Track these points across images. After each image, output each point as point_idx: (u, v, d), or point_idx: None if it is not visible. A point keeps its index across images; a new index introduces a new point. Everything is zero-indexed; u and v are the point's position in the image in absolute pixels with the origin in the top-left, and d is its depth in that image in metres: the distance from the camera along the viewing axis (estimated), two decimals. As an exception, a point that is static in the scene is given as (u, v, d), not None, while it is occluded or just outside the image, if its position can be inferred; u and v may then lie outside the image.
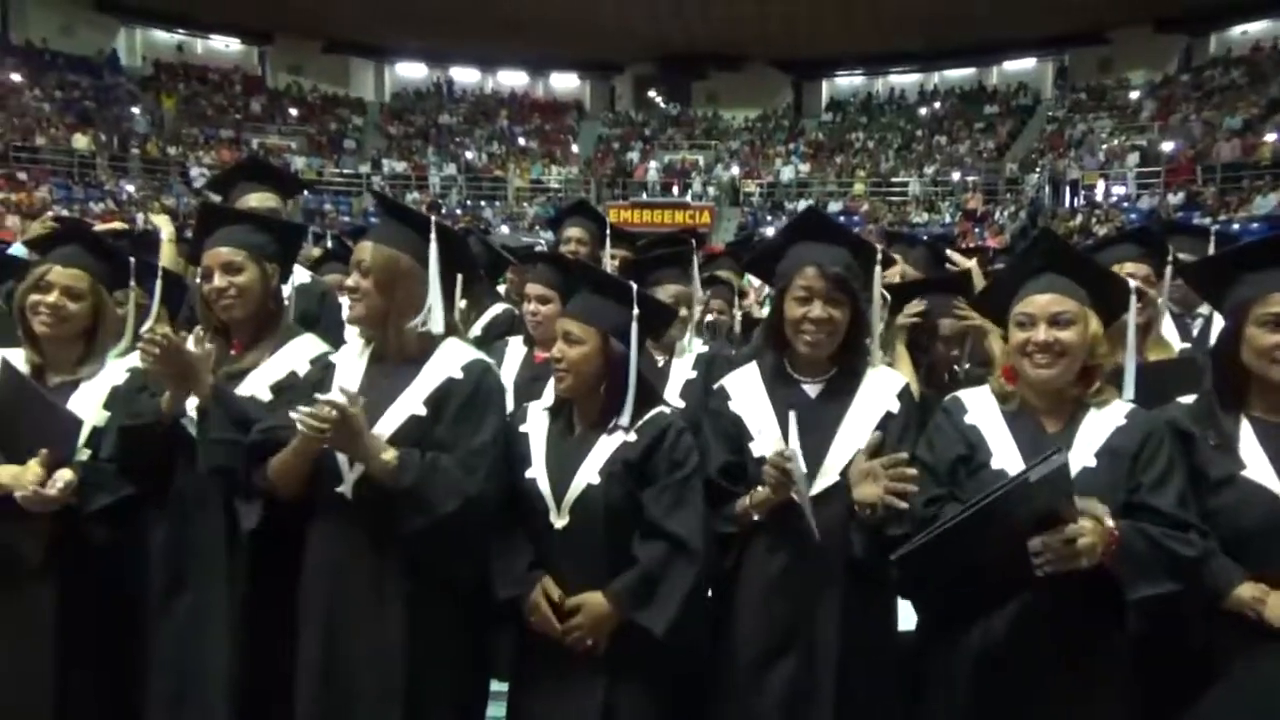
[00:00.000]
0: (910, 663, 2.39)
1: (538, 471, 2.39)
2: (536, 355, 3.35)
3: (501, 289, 4.53)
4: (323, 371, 2.47)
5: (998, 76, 30.13)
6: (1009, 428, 2.26)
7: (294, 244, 2.91)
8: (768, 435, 2.38)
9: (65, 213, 15.90)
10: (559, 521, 2.36)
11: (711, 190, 26.87)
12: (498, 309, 3.95)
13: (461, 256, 2.60)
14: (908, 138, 28.55)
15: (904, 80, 31.38)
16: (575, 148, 30.32)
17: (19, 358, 2.60)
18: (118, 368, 2.63)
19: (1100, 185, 21.74)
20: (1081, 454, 2.17)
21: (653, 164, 28.00)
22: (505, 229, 22.35)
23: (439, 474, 2.23)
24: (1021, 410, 2.28)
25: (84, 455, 2.51)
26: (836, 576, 2.32)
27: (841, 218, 24.94)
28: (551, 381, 2.49)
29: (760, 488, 2.35)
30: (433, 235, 2.37)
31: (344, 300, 3.76)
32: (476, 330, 3.77)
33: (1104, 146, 23.13)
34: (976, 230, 22.36)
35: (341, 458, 2.31)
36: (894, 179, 26.50)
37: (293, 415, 2.18)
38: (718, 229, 24.01)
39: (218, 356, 2.54)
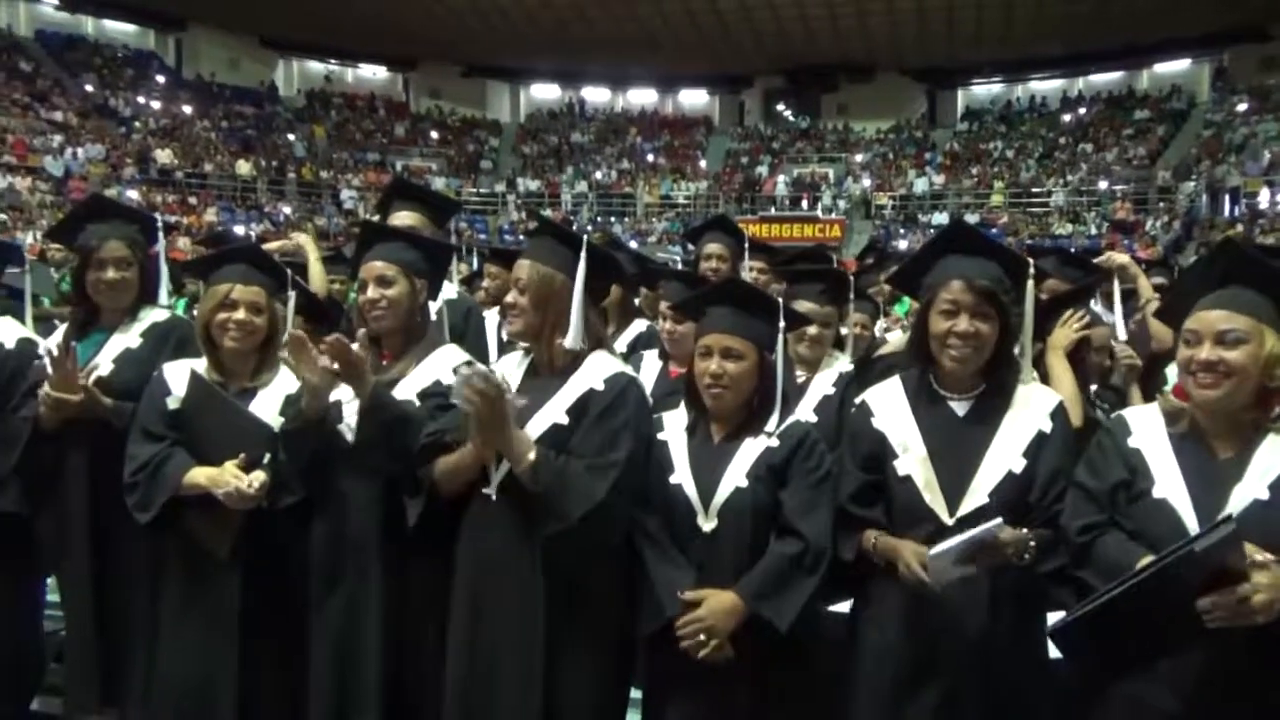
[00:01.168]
0: (1066, 695, 2.27)
1: (683, 477, 2.44)
2: (672, 370, 3.40)
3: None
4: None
5: (1148, 80, 28.58)
6: (1175, 453, 2.12)
7: (443, 261, 3.07)
8: (912, 454, 2.34)
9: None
10: (707, 525, 2.40)
11: (842, 204, 26.50)
12: (641, 325, 4.01)
13: (614, 273, 2.70)
14: (1050, 146, 27.42)
15: (1045, 86, 30.19)
16: (704, 163, 30.48)
17: (200, 369, 2.81)
18: (290, 376, 2.79)
19: (1264, 193, 20.34)
20: (1254, 485, 2.02)
21: (781, 178, 27.86)
22: (634, 244, 22.60)
23: (569, 479, 2.32)
24: (1191, 433, 2.13)
25: (268, 458, 2.69)
26: (980, 600, 2.24)
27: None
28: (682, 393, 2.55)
29: (883, 537, 2.33)
30: (582, 254, 2.46)
31: (487, 314, 3.98)
32: (621, 346, 3.85)
33: (1268, 151, 21.61)
34: (1125, 242, 21.24)
35: (489, 458, 2.42)
36: (1035, 189, 25.51)
37: (455, 382, 2.27)
38: (848, 243, 23.62)
39: (371, 364, 2.69)
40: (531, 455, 2.32)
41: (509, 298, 2.50)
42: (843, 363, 3.30)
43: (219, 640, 2.72)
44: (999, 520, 2.15)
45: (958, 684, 2.25)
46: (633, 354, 3.67)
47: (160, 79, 28.26)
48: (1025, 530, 2.17)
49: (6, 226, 18.29)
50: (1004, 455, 2.28)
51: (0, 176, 21.22)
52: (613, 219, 27.09)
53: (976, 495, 2.27)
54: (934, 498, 2.29)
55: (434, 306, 3.04)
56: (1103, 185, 24.58)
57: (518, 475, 2.35)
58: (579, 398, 2.43)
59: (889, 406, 2.42)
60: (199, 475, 2.65)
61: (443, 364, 2.69)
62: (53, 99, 24.76)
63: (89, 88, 26.22)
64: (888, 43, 27.40)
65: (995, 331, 2.28)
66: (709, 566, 2.40)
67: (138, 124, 25.79)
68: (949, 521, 2.26)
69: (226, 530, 2.68)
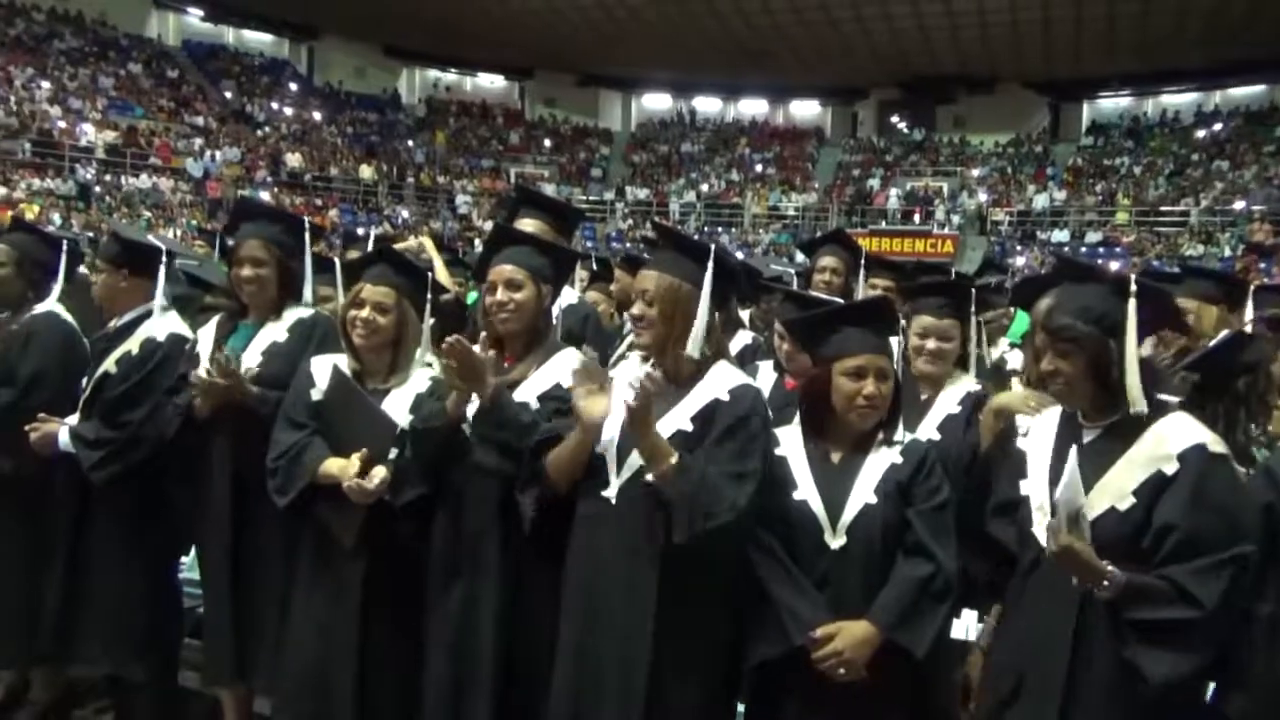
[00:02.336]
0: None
1: (807, 493, 2.42)
2: (787, 382, 3.39)
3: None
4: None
5: (1293, 94, 26.96)
6: None
7: (568, 269, 3.13)
8: (1036, 476, 2.29)
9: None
10: (835, 542, 2.38)
11: (956, 218, 25.86)
12: (746, 338, 4.00)
13: (737, 284, 2.73)
14: (1181, 163, 26.13)
15: (1178, 100, 28.81)
16: (814, 175, 30.20)
17: (343, 364, 2.92)
18: (421, 376, 2.91)
19: None
20: None
21: (894, 191, 27.38)
22: (740, 255, 22.55)
23: (710, 485, 2.30)
24: None
25: (392, 455, 2.79)
26: (1064, 632, 2.14)
27: (1102, 249, 23.21)
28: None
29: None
30: (709, 264, 2.48)
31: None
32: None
33: None
34: (1262, 265, 20.08)
35: (610, 462, 2.46)
36: (1163, 208, 24.36)
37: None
38: (961, 258, 23.00)
39: (495, 366, 2.75)
40: (674, 459, 2.31)
41: (636, 309, 2.51)
42: (968, 381, 3.20)
43: (341, 624, 2.81)
44: (1082, 500, 2.02)
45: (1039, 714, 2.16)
46: (744, 366, 3.66)
47: (293, 86, 29.70)
48: (1108, 566, 2.01)
49: (151, 223, 19.53)
50: (1111, 490, 2.13)
51: (146, 177, 22.65)
52: (720, 229, 27.08)
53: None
54: (1041, 521, 2.23)
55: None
56: (1239, 205, 23.29)
57: (655, 477, 2.34)
58: (704, 406, 2.44)
59: (1039, 429, 2.38)
60: (331, 466, 2.76)
61: (563, 367, 2.72)
62: (195, 105, 26.29)
63: (228, 94, 27.75)
64: (1010, 54, 26.63)
65: (1081, 366, 2.16)
66: (836, 584, 2.38)
67: (270, 129, 27.15)
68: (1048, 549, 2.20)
69: (352, 520, 2.77)
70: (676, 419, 2.44)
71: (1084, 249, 23.61)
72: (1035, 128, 29.87)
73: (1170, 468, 2.08)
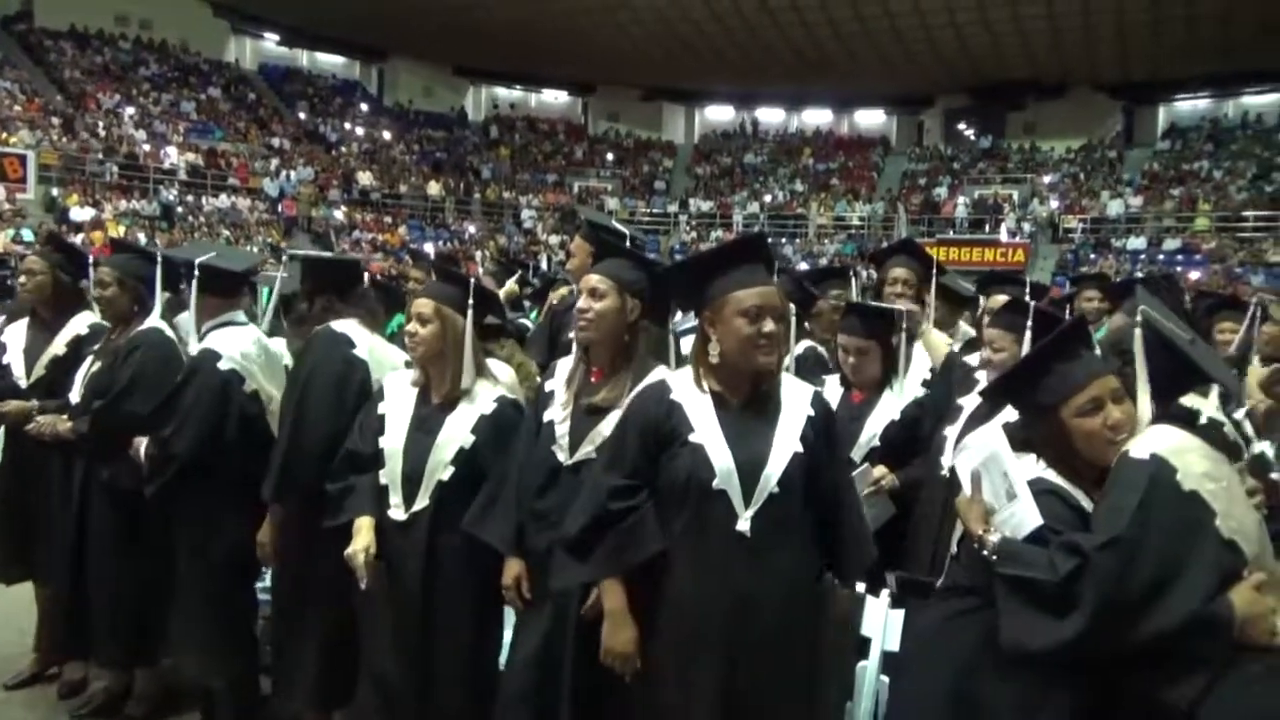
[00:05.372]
0: None
1: None
2: (854, 396, 3.38)
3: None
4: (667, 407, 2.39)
5: (1388, 92, 25.82)
6: None
7: (660, 286, 3.10)
8: None
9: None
10: None
11: (1027, 226, 25.32)
12: (802, 346, 3.93)
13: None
14: (1265, 166, 25.16)
15: (1260, 101, 27.73)
16: (880, 185, 29.88)
17: (410, 378, 2.96)
18: (488, 396, 2.90)
19: None
20: None
21: (961, 199, 26.93)
22: (804, 266, 22.41)
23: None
24: None
25: (448, 473, 2.82)
26: None
27: (1180, 256, 22.50)
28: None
29: None
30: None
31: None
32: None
33: None
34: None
35: (735, 494, 2.27)
36: (1245, 213, 23.51)
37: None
38: (1032, 267, 22.53)
39: (579, 380, 2.71)
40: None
41: (769, 327, 2.31)
42: None
43: (407, 631, 2.83)
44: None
45: None
46: (806, 373, 3.63)
47: (364, 107, 30.47)
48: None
49: (230, 241, 20.18)
50: None
51: (225, 197, 23.43)
52: (784, 240, 26.94)
53: None
54: None
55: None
56: (1329, 208, 22.35)
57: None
58: (804, 426, 2.36)
59: None
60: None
61: None
62: (271, 126, 27.12)
63: (302, 115, 28.57)
64: (1082, 58, 26.03)
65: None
66: None
67: (343, 148, 27.86)
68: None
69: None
70: (788, 442, 2.31)
71: (1161, 256, 22.91)
72: (1108, 132, 29.12)
73: None
